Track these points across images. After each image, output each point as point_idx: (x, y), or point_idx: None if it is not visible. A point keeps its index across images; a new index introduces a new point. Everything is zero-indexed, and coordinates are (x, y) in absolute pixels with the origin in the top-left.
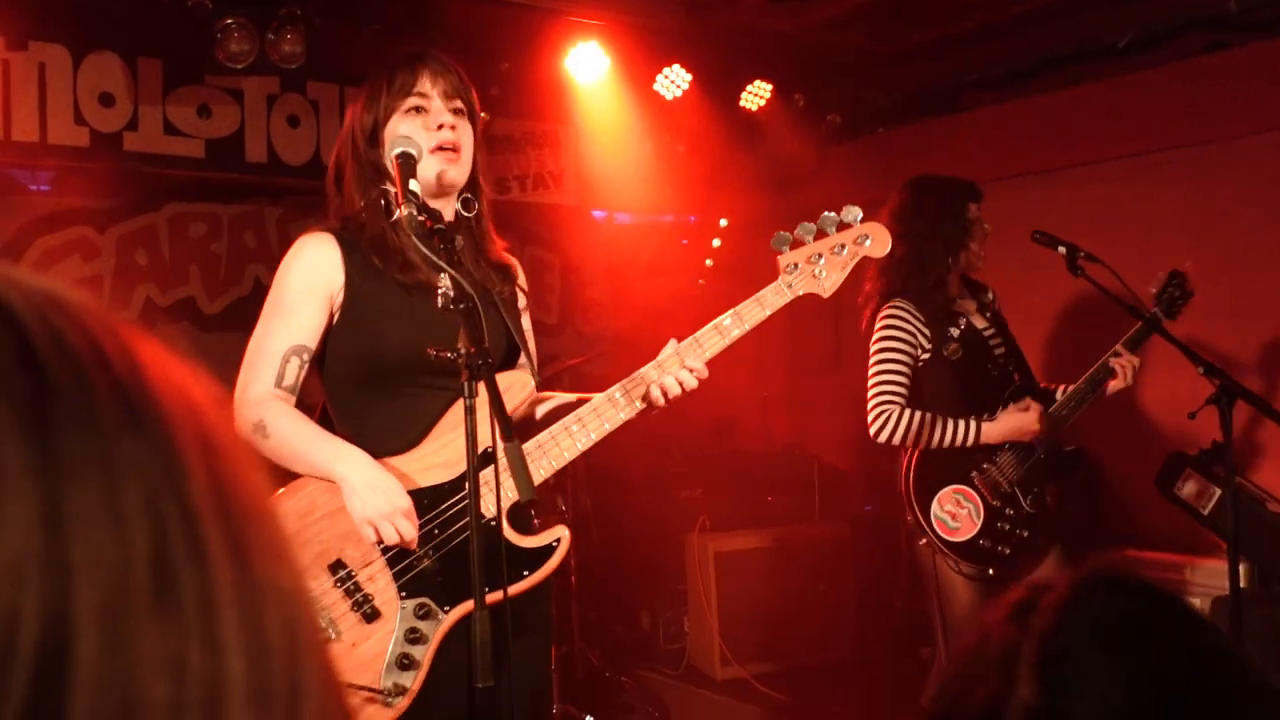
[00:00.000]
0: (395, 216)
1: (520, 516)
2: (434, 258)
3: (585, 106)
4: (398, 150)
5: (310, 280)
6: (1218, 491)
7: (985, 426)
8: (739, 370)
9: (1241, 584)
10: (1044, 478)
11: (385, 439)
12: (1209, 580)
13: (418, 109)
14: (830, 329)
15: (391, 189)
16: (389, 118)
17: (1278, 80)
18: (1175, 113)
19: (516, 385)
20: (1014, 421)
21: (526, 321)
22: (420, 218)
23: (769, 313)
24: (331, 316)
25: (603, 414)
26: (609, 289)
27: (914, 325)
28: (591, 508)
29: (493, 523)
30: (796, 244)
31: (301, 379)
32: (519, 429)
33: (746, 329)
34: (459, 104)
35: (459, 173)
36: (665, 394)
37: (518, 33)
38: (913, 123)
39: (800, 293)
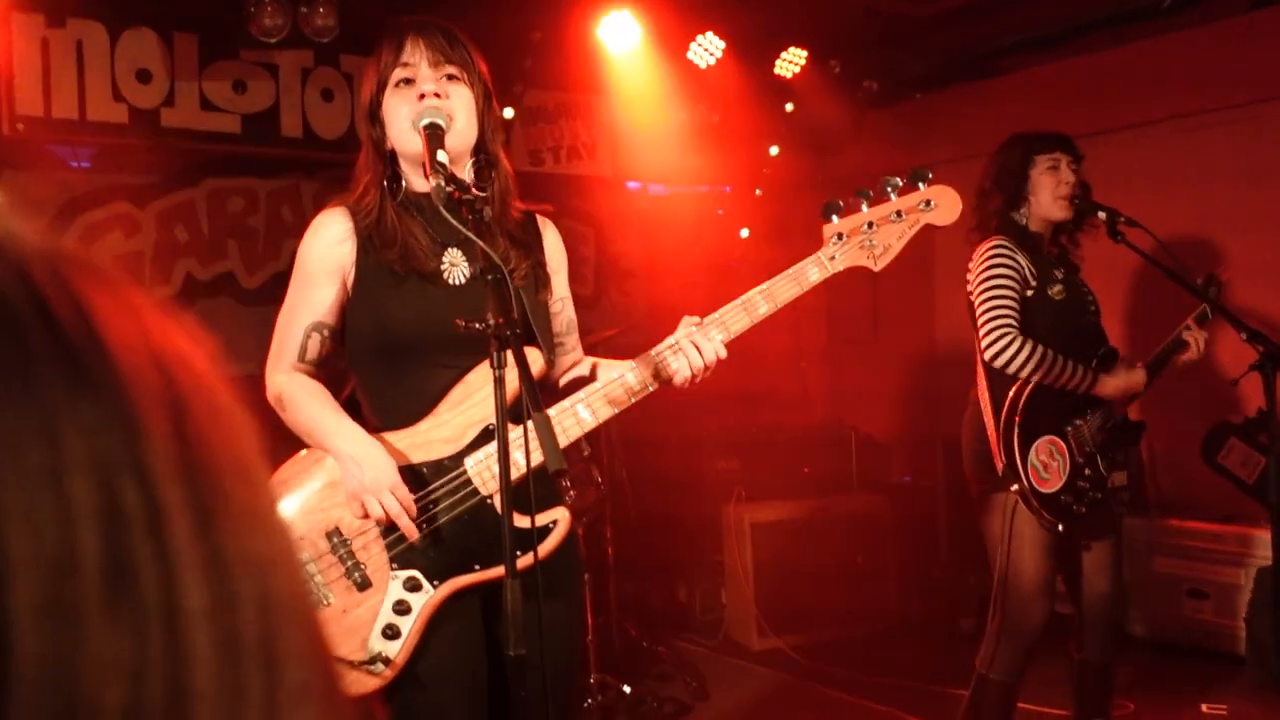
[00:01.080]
0: (399, 197)
1: (546, 490)
2: (463, 229)
3: (618, 76)
4: (425, 121)
5: (324, 257)
6: (1262, 460)
7: (1103, 378)
8: (775, 340)
9: None
10: (1115, 444)
11: (395, 413)
12: (1253, 550)
13: (406, 80)
14: (869, 296)
15: (390, 168)
16: (382, 93)
17: None
18: (1220, 73)
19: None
20: (1128, 380)
21: (563, 286)
22: (449, 189)
23: (804, 290)
24: (347, 292)
25: (610, 395)
26: (644, 260)
27: (1020, 260)
28: (628, 479)
29: (488, 500)
30: (849, 212)
31: (324, 352)
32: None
33: (778, 306)
34: (451, 70)
35: (452, 139)
36: (673, 377)
37: (549, 2)
38: (950, 88)
39: (842, 267)
